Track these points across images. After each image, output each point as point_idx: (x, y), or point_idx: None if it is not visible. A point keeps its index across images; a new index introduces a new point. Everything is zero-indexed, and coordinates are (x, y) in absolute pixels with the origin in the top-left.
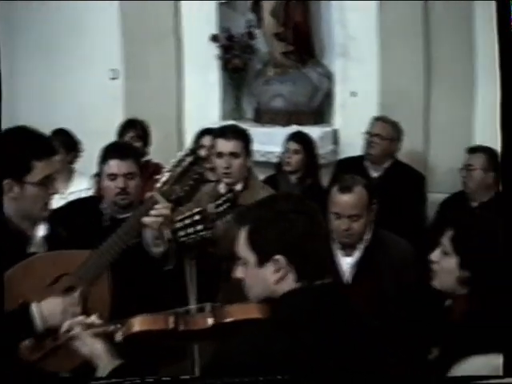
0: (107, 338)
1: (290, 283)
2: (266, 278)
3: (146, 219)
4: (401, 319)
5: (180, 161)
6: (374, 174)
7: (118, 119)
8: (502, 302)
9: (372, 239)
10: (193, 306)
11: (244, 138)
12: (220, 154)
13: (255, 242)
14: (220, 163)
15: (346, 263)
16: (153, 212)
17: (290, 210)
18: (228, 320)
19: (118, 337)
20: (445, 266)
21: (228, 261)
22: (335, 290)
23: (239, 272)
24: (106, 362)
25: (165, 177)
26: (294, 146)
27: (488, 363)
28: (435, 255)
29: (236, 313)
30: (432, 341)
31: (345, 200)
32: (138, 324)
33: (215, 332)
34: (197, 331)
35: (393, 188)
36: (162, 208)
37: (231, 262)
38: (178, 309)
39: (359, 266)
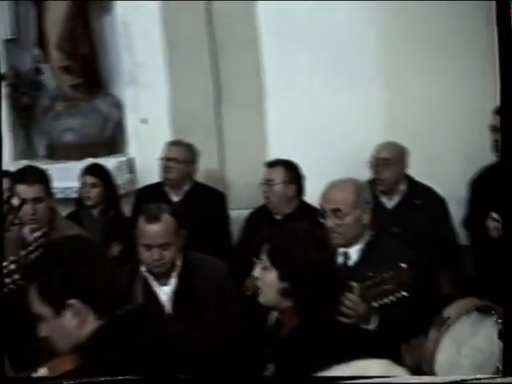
0: None
1: (91, 323)
2: (66, 326)
3: None
4: (230, 338)
5: None
6: (175, 198)
7: None
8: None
9: (184, 264)
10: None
11: (44, 179)
12: (23, 201)
13: (45, 294)
14: (24, 209)
15: (164, 293)
16: None
17: (69, 253)
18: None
19: None
20: (266, 280)
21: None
22: (141, 314)
23: (43, 330)
24: None
25: None
26: (90, 179)
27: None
28: (256, 271)
29: (48, 374)
30: (266, 357)
31: (154, 230)
32: None
33: None
34: None
35: (195, 210)
36: None
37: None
38: None
39: (177, 293)
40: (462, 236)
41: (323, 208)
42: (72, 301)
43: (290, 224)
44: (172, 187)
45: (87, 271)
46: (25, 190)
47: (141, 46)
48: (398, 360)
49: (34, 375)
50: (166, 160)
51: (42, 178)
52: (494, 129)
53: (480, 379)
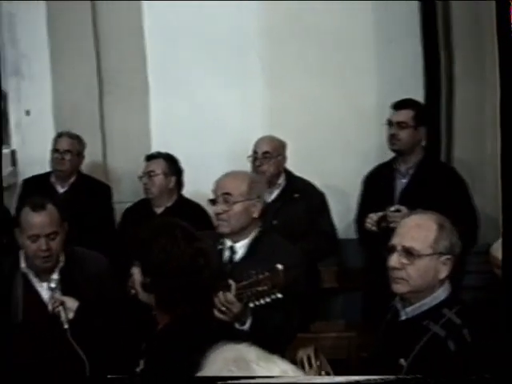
0: None
1: None
2: None
3: None
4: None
5: None
6: (61, 189)
7: None
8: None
9: (67, 259)
10: None
11: None
12: None
13: None
14: None
15: (45, 289)
16: None
17: None
18: None
19: None
20: (135, 276)
21: None
22: None
23: None
24: None
25: None
26: None
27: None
28: (133, 271)
29: None
30: (139, 353)
31: (40, 219)
32: None
33: None
34: None
35: (80, 202)
36: None
37: None
38: None
39: (60, 289)
40: (341, 230)
41: (215, 193)
42: None
43: (157, 219)
44: (60, 179)
45: None
46: None
47: (25, 36)
48: None
49: None
50: (59, 152)
51: None
52: (389, 123)
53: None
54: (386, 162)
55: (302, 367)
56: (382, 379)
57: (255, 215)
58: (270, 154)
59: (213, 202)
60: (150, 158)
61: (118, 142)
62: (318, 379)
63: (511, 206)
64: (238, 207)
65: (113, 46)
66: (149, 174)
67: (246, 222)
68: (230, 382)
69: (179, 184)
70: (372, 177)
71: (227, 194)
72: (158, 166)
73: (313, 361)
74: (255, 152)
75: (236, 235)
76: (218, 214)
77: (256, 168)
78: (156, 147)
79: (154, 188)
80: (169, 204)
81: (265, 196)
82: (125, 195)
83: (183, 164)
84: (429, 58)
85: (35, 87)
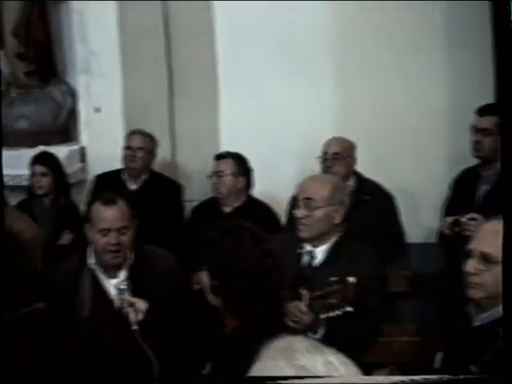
0: None
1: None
2: None
3: None
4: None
5: None
6: (133, 186)
7: None
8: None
9: (136, 256)
10: None
11: None
12: None
13: None
14: None
15: (112, 286)
16: None
17: None
18: None
19: None
20: (202, 277)
21: None
22: (50, 315)
23: None
24: None
25: None
26: (40, 168)
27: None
28: (201, 274)
29: None
30: (207, 355)
31: (111, 213)
32: None
33: None
34: None
35: (151, 199)
36: None
37: None
38: None
39: (127, 286)
40: (409, 233)
41: (297, 197)
42: None
43: (225, 220)
44: (132, 176)
45: None
46: None
47: (95, 35)
48: None
49: None
50: (131, 149)
51: None
52: (474, 129)
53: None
54: (471, 166)
55: None
56: (426, 379)
57: (337, 221)
58: (339, 154)
59: (294, 205)
60: (219, 157)
61: (187, 141)
62: (363, 379)
63: (511, 206)
64: (319, 213)
65: (183, 46)
66: (218, 174)
67: (327, 227)
68: (280, 382)
69: (248, 184)
70: (458, 180)
71: (309, 198)
72: (227, 166)
73: None
74: (325, 153)
75: (316, 240)
76: (299, 219)
77: (326, 169)
78: (225, 146)
79: (223, 188)
80: (237, 204)
81: (346, 201)
82: (193, 194)
83: (252, 163)
84: (501, 60)
85: (105, 85)
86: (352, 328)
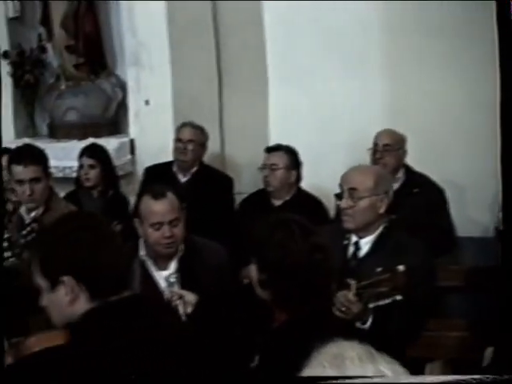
0: None
1: (82, 303)
2: (59, 301)
3: None
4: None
5: None
6: (183, 179)
7: None
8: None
9: (186, 248)
10: None
11: (41, 159)
12: (20, 181)
13: (44, 267)
14: (21, 190)
15: (162, 277)
16: None
17: (71, 229)
18: (27, 353)
19: None
20: (251, 271)
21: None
22: (136, 302)
23: (43, 300)
24: None
25: None
26: (89, 161)
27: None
28: (250, 268)
29: (35, 344)
30: (255, 348)
31: (162, 206)
32: None
33: (21, 369)
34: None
35: (201, 192)
36: None
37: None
38: None
39: (177, 278)
40: (461, 228)
41: (341, 188)
42: (65, 277)
43: (274, 214)
44: (182, 168)
45: (86, 249)
46: (21, 171)
47: (144, 26)
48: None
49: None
50: (182, 142)
51: (39, 159)
52: (270, 166)
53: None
54: None
55: None
56: (474, 379)
57: (381, 211)
58: (390, 146)
59: (339, 196)
60: (271, 150)
61: (236, 133)
62: (409, 379)
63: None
64: (363, 203)
65: (232, 37)
66: (270, 167)
67: (372, 217)
68: (330, 381)
69: (298, 177)
70: None
71: (353, 189)
72: (280, 160)
73: None
74: (376, 144)
75: (361, 231)
76: (343, 209)
77: (376, 160)
78: (274, 139)
79: (275, 181)
80: (288, 197)
81: (391, 191)
82: (243, 186)
83: (301, 156)
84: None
85: (154, 77)
86: (399, 318)
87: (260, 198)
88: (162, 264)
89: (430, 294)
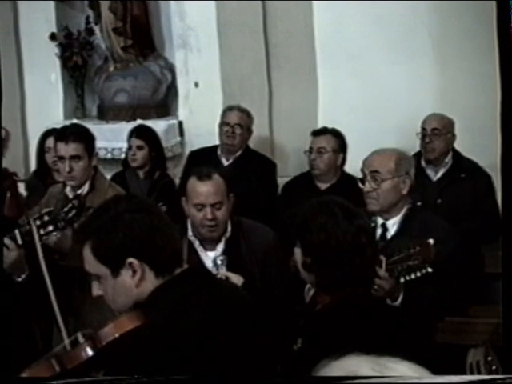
0: None
1: (151, 281)
2: (126, 285)
3: None
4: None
5: None
6: (227, 162)
7: None
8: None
9: (234, 231)
10: (66, 342)
11: (85, 138)
12: (61, 158)
13: (101, 254)
14: (62, 167)
15: (209, 258)
16: None
17: (123, 211)
18: (107, 341)
19: None
20: (296, 255)
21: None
22: (197, 273)
23: (96, 289)
24: None
25: None
26: (137, 142)
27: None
28: (295, 251)
29: (112, 331)
30: (298, 331)
31: (206, 188)
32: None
33: (101, 358)
34: (82, 363)
35: (245, 175)
36: None
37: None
38: (54, 350)
39: (226, 262)
40: None
41: (363, 172)
42: (130, 259)
43: (317, 197)
44: (227, 152)
45: (145, 229)
46: (62, 147)
47: (192, 9)
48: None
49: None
50: (229, 125)
51: (81, 137)
52: (317, 149)
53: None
54: None
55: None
56: (497, 379)
57: (404, 192)
58: (439, 130)
59: (362, 180)
60: (318, 133)
61: (284, 117)
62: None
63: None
64: (386, 185)
65: (281, 21)
66: (318, 150)
67: (396, 199)
68: (358, 381)
69: (343, 160)
70: None
71: (375, 171)
72: (328, 143)
73: (482, 367)
74: (424, 129)
75: (386, 213)
76: (367, 193)
77: (425, 145)
78: (322, 122)
79: (323, 164)
80: (333, 181)
81: (412, 172)
82: (290, 170)
83: (350, 139)
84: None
85: (203, 60)
86: (430, 293)
87: (305, 181)
88: (209, 245)
89: (455, 270)
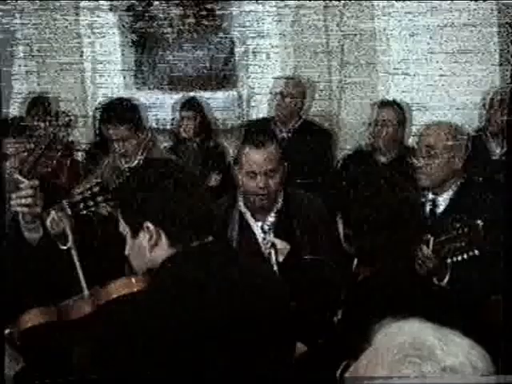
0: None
1: (163, 249)
2: (140, 247)
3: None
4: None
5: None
6: (282, 134)
7: None
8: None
9: (285, 201)
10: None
11: (129, 118)
12: (111, 138)
13: (126, 214)
14: (114, 147)
15: (260, 230)
16: (15, 195)
17: (152, 176)
18: (105, 300)
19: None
20: (339, 228)
21: None
22: (217, 250)
23: (126, 248)
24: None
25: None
26: (187, 113)
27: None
28: (337, 222)
29: (114, 290)
30: (339, 303)
31: (259, 156)
32: (25, 321)
33: (99, 315)
34: (79, 319)
35: (301, 147)
36: (25, 189)
37: None
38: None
39: (274, 230)
40: None
41: (418, 145)
42: (147, 223)
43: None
44: (282, 123)
45: (167, 196)
46: (112, 132)
47: None
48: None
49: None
50: (282, 95)
51: (126, 117)
52: (382, 122)
53: None
54: None
55: None
56: None
57: (457, 167)
58: (505, 103)
59: (414, 154)
60: (382, 105)
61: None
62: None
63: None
64: (439, 160)
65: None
66: (382, 123)
67: (448, 174)
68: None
69: (403, 134)
70: None
71: (429, 146)
72: (392, 115)
73: None
74: (491, 100)
75: (437, 188)
76: (419, 168)
77: (489, 116)
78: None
79: (387, 137)
80: (394, 155)
81: (469, 147)
82: (350, 142)
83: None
84: None
85: (261, 29)
86: (477, 274)
87: (364, 154)
88: (259, 215)
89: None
